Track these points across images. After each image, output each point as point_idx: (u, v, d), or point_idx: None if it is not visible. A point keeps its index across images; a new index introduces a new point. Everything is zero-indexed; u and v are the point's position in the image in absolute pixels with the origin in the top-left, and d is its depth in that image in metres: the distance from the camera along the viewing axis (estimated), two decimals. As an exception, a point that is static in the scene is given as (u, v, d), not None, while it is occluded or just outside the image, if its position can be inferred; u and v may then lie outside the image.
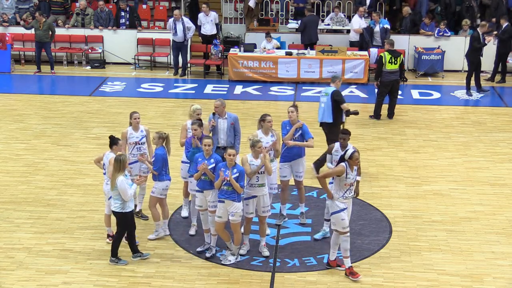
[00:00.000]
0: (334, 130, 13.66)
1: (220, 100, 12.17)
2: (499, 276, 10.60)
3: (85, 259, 10.87)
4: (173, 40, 21.32)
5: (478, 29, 19.91)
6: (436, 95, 19.90)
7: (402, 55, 17.45)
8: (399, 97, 19.58)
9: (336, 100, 13.94)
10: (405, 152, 15.36)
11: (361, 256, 11.05)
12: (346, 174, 10.10)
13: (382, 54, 17.44)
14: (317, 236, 11.57)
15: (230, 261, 10.73)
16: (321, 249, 11.26)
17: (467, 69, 20.06)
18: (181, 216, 12.26)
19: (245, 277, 10.49)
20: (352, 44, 21.72)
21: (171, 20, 21.37)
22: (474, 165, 14.85)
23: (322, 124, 14.23)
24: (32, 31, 21.38)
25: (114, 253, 10.76)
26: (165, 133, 11.40)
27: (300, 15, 23.72)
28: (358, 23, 21.56)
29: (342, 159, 10.23)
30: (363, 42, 21.52)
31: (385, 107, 17.70)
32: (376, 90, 17.79)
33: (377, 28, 21.27)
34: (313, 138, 12.00)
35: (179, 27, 21.12)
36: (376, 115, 17.66)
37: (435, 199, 13.19)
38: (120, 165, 10.40)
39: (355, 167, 10.23)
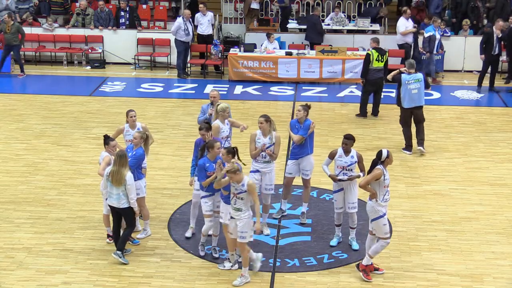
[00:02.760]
0: (422, 112, 15.42)
1: (216, 90, 12.78)
2: (499, 276, 10.60)
3: (85, 259, 10.87)
4: (181, 41, 21.07)
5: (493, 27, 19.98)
6: (436, 95, 19.90)
7: (387, 52, 17.48)
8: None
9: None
10: (405, 152, 15.36)
11: (361, 256, 11.03)
12: (384, 176, 10.14)
13: (369, 52, 17.57)
14: (333, 243, 11.45)
15: (225, 267, 10.68)
16: (321, 249, 11.27)
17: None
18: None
19: (245, 277, 10.49)
20: (401, 47, 21.01)
21: (180, 21, 21.11)
22: (474, 165, 14.85)
23: (413, 109, 15.22)
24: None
25: (121, 247, 10.74)
26: (146, 134, 11.41)
27: (283, 15, 23.92)
28: (404, 25, 21.01)
29: (375, 162, 10.20)
30: (410, 45, 20.98)
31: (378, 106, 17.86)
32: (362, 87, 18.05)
33: (437, 35, 20.71)
34: (305, 136, 11.91)
35: (190, 27, 21.12)
36: (363, 113, 17.74)
37: (435, 199, 13.19)
38: (124, 160, 10.44)
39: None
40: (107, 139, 11.11)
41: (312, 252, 11.20)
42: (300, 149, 11.95)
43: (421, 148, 15.38)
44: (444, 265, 10.86)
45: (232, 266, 10.64)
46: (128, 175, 10.44)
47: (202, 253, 11.03)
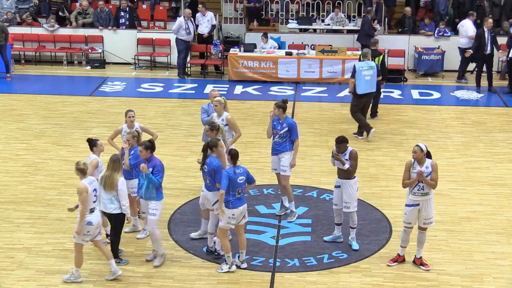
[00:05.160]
0: (377, 98, 17.05)
1: (216, 89, 12.92)
2: (499, 276, 10.61)
3: (85, 259, 10.85)
4: (182, 40, 21.10)
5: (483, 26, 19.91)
6: (436, 95, 19.91)
7: (382, 55, 17.42)
8: (399, 97, 19.69)
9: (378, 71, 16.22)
10: (405, 152, 15.34)
11: (361, 256, 11.06)
12: (412, 168, 10.33)
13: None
14: (326, 238, 11.51)
15: (222, 269, 10.65)
16: (321, 249, 11.27)
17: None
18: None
19: (245, 277, 10.49)
20: (463, 51, 20.60)
21: (181, 20, 21.14)
22: (474, 165, 14.86)
23: (364, 95, 16.04)
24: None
25: (115, 254, 10.74)
26: (137, 132, 11.38)
27: (253, 15, 23.69)
28: (473, 29, 20.61)
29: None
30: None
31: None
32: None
33: None
34: (298, 138, 12.04)
35: (191, 26, 21.13)
36: None
37: (435, 199, 13.13)
38: (118, 164, 10.37)
39: (427, 165, 10.32)
40: (92, 141, 11.08)
41: (312, 252, 11.20)
42: (280, 145, 12.04)
43: (356, 135, 16.22)
44: (444, 265, 10.86)
45: (229, 268, 10.61)
46: (121, 180, 10.37)
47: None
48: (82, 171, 10.06)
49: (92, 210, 10.09)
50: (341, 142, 11.08)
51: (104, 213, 10.61)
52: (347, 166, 10.98)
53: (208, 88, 20.07)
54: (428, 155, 10.49)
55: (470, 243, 11.56)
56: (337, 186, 11.21)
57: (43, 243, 11.35)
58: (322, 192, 13.36)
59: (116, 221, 10.56)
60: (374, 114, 17.69)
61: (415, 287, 10.31)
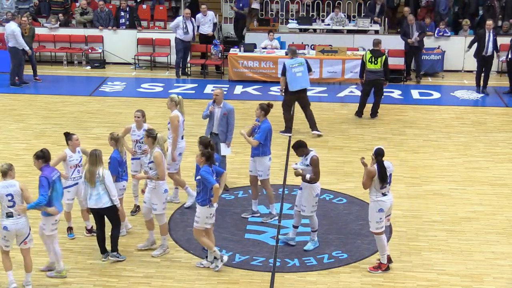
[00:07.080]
0: (307, 95, 16.44)
1: (221, 89, 12.93)
2: (499, 276, 10.61)
3: (85, 259, 10.88)
4: (180, 40, 21.12)
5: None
6: (436, 95, 19.91)
7: (384, 55, 17.36)
8: (399, 97, 19.67)
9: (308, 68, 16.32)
10: (405, 152, 15.36)
11: (361, 256, 11.06)
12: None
13: (365, 52, 17.63)
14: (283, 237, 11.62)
15: (218, 266, 10.63)
16: (321, 249, 11.27)
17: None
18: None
19: (245, 277, 10.50)
20: None
21: (180, 19, 21.19)
22: (474, 165, 14.86)
23: (298, 92, 16.15)
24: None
25: (115, 248, 10.74)
26: (117, 134, 11.27)
27: (237, 20, 23.54)
28: None
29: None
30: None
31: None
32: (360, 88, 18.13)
33: None
34: (259, 142, 11.97)
35: (190, 26, 21.12)
36: (358, 112, 17.72)
37: (435, 199, 13.20)
38: (95, 158, 10.35)
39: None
40: (67, 136, 11.17)
41: (312, 252, 11.20)
42: (254, 149, 12.09)
43: (316, 132, 16.20)
44: (444, 265, 10.87)
45: (221, 262, 10.57)
46: (105, 173, 10.36)
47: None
48: (2, 172, 9.83)
49: (9, 215, 9.78)
50: (297, 148, 11.03)
51: (97, 210, 10.56)
52: (308, 176, 10.93)
53: (208, 88, 20.12)
54: (380, 163, 10.48)
55: (470, 243, 11.57)
56: (300, 188, 11.22)
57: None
58: (322, 192, 13.28)
59: (110, 214, 10.55)
60: (374, 114, 17.69)
61: (415, 287, 10.32)
